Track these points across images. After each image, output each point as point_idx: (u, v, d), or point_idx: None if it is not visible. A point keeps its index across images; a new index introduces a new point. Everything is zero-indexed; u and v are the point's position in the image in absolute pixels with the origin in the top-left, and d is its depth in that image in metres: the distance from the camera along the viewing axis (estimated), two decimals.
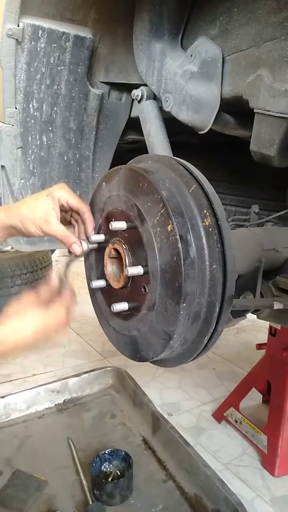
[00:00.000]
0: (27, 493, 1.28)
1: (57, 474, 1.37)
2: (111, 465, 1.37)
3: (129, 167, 0.80)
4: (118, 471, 1.35)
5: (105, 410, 1.72)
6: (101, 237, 0.85)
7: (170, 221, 0.68)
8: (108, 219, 0.83)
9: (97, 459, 1.34)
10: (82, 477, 1.34)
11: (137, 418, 1.65)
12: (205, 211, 0.70)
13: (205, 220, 0.69)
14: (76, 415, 1.68)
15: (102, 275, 0.87)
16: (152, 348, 0.75)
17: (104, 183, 0.87)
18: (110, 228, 0.77)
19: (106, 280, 0.85)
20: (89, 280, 0.94)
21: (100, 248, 0.87)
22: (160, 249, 0.70)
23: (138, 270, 0.73)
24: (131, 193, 0.77)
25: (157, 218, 0.70)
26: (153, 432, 1.55)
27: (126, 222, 0.77)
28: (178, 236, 0.67)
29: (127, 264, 0.78)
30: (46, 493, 1.29)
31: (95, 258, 0.91)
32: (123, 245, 0.79)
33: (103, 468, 1.36)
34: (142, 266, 0.74)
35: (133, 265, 0.76)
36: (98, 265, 0.89)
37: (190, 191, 0.72)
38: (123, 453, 1.38)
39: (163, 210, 0.69)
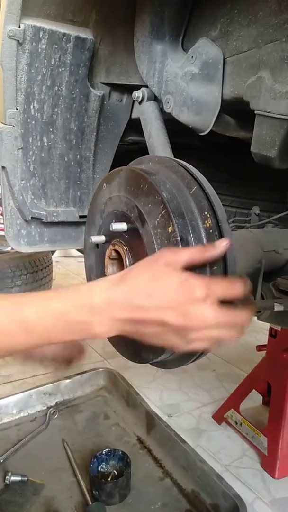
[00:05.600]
0: (24, 498, 1.27)
1: (54, 476, 1.36)
2: (108, 465, 1.37)
3: (130, 169, 0.80)
4: (115, 471, 1.35)
5: (98, 411, 1.71)
6: (101, 238, 0.85)
7: (171, 223, 0.68)
8: (109, 220, 0.83)
9: (94, 460, 1.34)
10: (80, 478, 1.34)
11: (131, 418, 1.64)
12: (205, 213, 0.70)
13: (206, 221, 0.69)
14: (69, 417, 1.68)
15: (102, 276, 0.87)
16: (152, 350, 0.75)
17: (104, 184, 0.87)
18: (111, 229, 0.77)
19: None
20: (89, 281, 0.94)
21: (100, 249, 0.87)
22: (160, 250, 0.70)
23: None
24: (131, 195, 0.77)
25: (158, 220, 0.70)
26: (147, 431, 1.55)
27: (126, 223, 0.77)
28: (178, 238, 0.67)
29: (128, 265, 0.78)
30: (43, 495, 1.29)
31: (95, 259, 0.91)
32: (124, 246, 0.79)
33: (100, 468, 1.36)
34: None
35: None
36: (99, 266, 0.89)
37: (191, 192, 0.72)
38: (120, 452, 1.38)
39: (163, 212, 0.69)
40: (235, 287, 0.59)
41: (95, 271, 0.91)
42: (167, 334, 0.59)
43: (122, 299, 0.58)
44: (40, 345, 0.62)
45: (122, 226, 0.77)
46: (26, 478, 1.31)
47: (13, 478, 1.30)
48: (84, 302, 0.59)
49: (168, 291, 0.57)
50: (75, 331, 0.60)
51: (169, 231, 0.68)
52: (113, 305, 0.58)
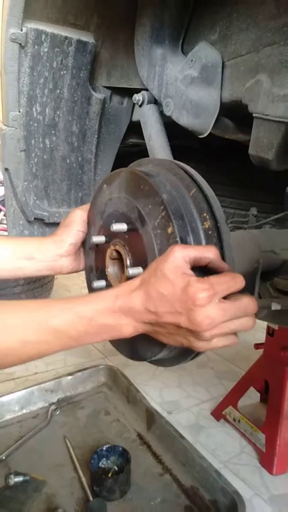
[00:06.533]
0: (25, 494, 1.29)
1: (55, 472, 1.38)
2: (109, 461, 1.39)
3: (130, 170, 0.81)
4: (115, 467, 1.37)
5: (99, 408, 1.74)
6: (101, 239, 0.87)
7: (171, 224, 0.69)
8: (109, 220, 0.85)
9: (95, 456, 1.36)
10: (81, 474, 1.36)
11: (131, 414, 1.66)
12: (204, 215, 0.71)
13: (205, 223, 0.71)
14: (70, 414, 1.70)
15: (103, 276, 0.89)
16: (150, 348, 0.76)
17: (105, 185, 0.88)
18: (111, 229, 0.78)
19: (107, 281, 0.87)
20: (89, 281, 0.95)
21: (100, 249, 0.89)
22: (160, 250, 0.72)
23: (138, 271, 0.75)
24: (132, 196, 0.79)
25: (158, 221, 0.72)
26: (147, 427, 1.57)
27: (126, 224, 0.79)
28: (178, 238, 0.68)
29: (128, 265, 0.79)
30: (45, 492, 1.31)
31: (95, 259, 0.92)
32: (124, 247, 0.80)
33: (100, 464, 1.38)
34: (143, 267, 0.75)
35: (133, 266, 0.77)
36: (99, 266, 0.90)
37: (190, 194, 0.73)
38: (121, 448, 1.40)
39: (163, 213, 0.70)
40: (237, 281, 0.61)
41: (95, 271, 0.92)
42: (185, 335, 0.62)
43: (139, 305, 0.63)
44: (74, 347, 0.68)
45: (123, 226, 0.79)
46: (28, 477, 1.33)
47: (16, 480, 1.31)
48: (111, 308, 0.64)
49: (174, 297, 0.60)
50: (104, 333, 0.66)
51: (169, 232, 0.69)
52: (133, 310, 0.63)
